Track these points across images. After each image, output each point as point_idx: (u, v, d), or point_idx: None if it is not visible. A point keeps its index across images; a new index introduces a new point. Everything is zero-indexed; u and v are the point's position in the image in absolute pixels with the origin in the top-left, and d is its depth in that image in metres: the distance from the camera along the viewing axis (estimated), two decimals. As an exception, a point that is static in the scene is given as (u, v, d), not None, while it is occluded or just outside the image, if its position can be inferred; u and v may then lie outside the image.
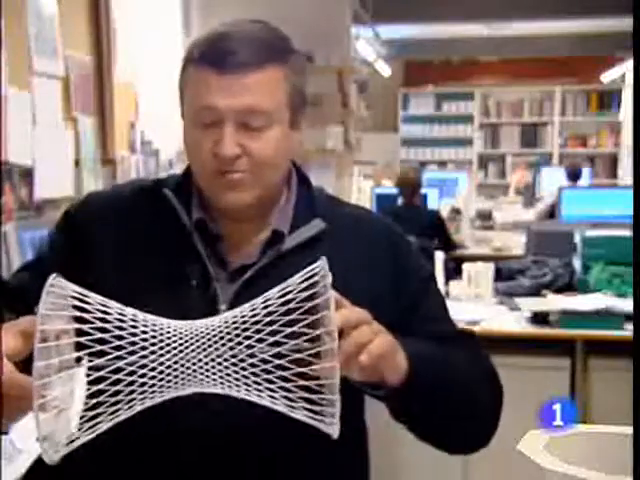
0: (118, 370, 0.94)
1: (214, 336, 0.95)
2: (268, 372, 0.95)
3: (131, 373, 0.94)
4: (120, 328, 0.94)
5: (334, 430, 0.93)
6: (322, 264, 0.96)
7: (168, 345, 0.95)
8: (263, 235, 1.23)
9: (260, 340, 0.95)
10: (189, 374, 0.95)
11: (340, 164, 6.19)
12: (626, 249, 3.06)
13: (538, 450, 0.92)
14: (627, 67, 9.02)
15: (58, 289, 0.94)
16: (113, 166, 3.37)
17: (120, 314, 0.95)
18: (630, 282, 3.12)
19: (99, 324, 0.94)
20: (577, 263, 3.41)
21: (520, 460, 0.91)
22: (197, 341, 0.95)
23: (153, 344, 0.95)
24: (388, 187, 6.66)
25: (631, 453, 0.91)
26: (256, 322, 0.95)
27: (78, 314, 0.95)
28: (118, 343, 0.94)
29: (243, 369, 0.95)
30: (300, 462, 1.20)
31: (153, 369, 0.94)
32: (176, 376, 0.94)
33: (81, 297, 0.95)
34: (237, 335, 0.95)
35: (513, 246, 5.53)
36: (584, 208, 5.00)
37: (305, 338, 0.95)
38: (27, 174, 2.61)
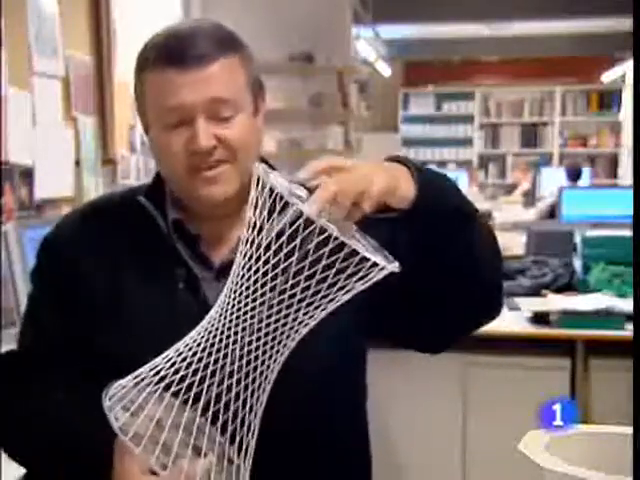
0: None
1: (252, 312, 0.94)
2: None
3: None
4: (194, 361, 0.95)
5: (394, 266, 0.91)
6: (257, 168, 0.94)
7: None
8: (239, 231, 1.23)
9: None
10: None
11: (340, 164, 6.18)
12: (626, 249, 3.05)
13: (538, 450, 0.92)
14: (627, 67, 9.02)
15: (119, 392, 0.95)
16: (113, 166, 3.37)
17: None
18: (630, 282, 3.11)
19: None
20: (577, 263, 3.40)
21: (520, 460, 0.91)
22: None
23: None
24: (388, 187, 6.65)
25: (631, 453, 0.91)
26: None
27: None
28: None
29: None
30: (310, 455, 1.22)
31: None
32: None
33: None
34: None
35: (513, 246, 5.52)
36: (584, 208, 4.99)
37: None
38: (27, 174, 2.61)
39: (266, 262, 0.92)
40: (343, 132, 5.95)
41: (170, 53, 1.13)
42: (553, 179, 7.15)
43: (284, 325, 0.93)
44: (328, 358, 1.19)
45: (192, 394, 0.94)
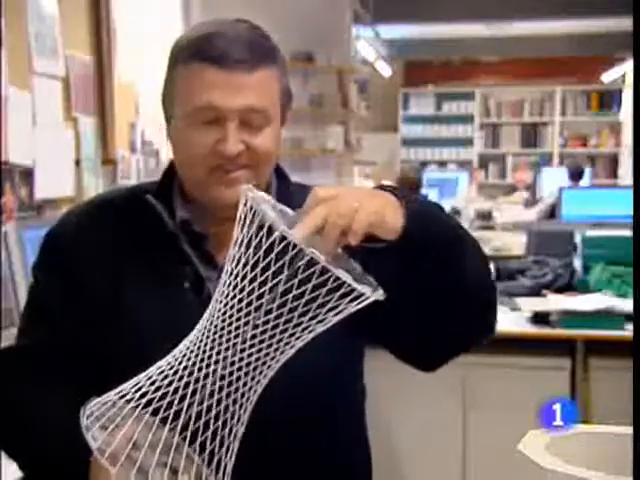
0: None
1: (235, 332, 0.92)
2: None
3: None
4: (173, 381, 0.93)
5: (379, 294, 0.90)
6: (245, 190, 0.92)
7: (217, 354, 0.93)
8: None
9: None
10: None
11: (340, 164, 6.19)
12: (626, 249, 3.05)
13: (538, 450, 0.92)
14: (627, 67, 9.02)
15: (97, 410, 0.94)
16: (113, 166, 3.37)
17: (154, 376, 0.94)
18: (630, 282, 3.12)
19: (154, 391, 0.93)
20: (577, 263, 3.41)
21: (520, 460, 0.91)
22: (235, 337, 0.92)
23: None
24: (388, 187, 6.65)
25: (631, 453, 0.91)
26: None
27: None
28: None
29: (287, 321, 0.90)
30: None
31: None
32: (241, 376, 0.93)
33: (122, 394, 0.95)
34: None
35: (513, 246, 5.52)
36: (584, 208, 5.00)
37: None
38: (27, 174, 2.61)
39: (252, 281, 0.90)
40: (343, 132, 5.95)
41: (210, 50, 1.12)
42: (553, 179, 7.15)
43: (269, 346, 0.91)
44: (322, 363, 1.17)
45: (172, 412, 0.92)
